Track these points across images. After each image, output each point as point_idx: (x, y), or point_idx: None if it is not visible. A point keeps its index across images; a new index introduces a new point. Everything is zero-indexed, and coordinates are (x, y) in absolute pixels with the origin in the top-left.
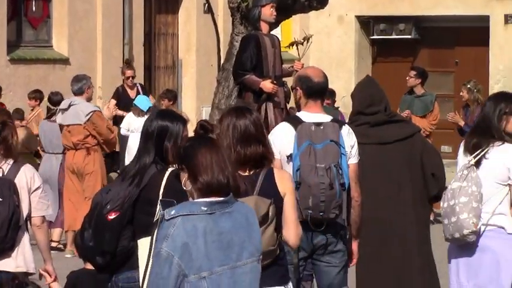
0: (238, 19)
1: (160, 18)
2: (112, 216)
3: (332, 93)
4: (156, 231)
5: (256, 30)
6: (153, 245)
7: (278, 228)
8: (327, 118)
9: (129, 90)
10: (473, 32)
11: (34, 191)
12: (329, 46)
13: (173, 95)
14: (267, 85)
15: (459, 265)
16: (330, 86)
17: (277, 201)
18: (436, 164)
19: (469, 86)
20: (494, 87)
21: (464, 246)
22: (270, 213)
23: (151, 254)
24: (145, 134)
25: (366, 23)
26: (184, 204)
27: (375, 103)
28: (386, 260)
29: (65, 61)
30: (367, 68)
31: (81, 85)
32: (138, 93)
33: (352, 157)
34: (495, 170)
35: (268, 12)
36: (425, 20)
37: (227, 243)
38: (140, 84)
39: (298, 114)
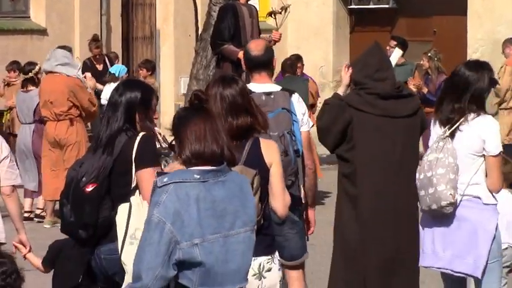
0: None
1: None
2: (89, 188)
3: (299, 58)
4: (133, 197)
5: (234, 0)
6: (134, 212)
7: (263, 199)
8: (276, 88)
9: (96, 64)
10: (451, 1)
11: (2, 160)
12: (307, 16)
13: (152, 66)
14: None
15: (434, 235)
16: (308, 55)
17: (263, 171)
18: None
19: (429, 54)
20: (472, 56)
21: (440, 216)
22: (255, 184)
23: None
24: (114, 104)
25: None
26: (177, 172)
27: (383, 69)
28: (388, 228)
29: (42, 32)
30: (345, 37)
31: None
32: (105, 65)
33: (304, 124)
34: (469, 141)
35: None
36: None
37: (220, 211)
38: (107, 56)
39: (247, 85)
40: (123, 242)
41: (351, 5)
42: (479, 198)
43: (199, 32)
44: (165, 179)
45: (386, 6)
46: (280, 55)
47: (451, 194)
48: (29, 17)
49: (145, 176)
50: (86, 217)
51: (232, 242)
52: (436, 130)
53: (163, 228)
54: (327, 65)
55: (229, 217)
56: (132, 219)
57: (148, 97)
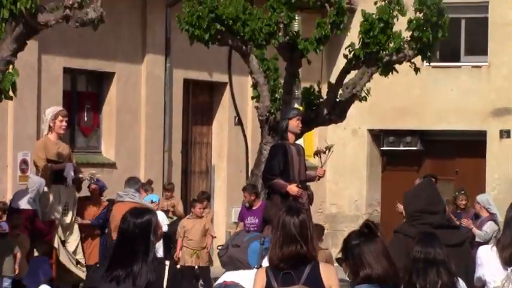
0: (267, 130)
1: (196, 128)
2: None
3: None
4: None
5: (283, 140)
6: None
7: None
8: None
9: None
10: (472, 145)
11: None
12: (344, 156)
13: (207, 196)
14: (293, 188)
15: None
16: (345, 191)
17: None
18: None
19: (466, 193)
20: (490, 194)
21: None
22: None
23: None
24: (131, 234)
25: (377, 136)
26: None
27: (435, 203)
28: None
29: (112, 165)
30: (377, 175)
31: (137, 187)
32: None
33: None
34: None
35: (294, 124)
36: (430, 134)
37: None
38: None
39: None
40: None
41: (383, 146)
42: None
43: (249, 169)
44: None
45: (415, 148)
46: (319, 189)
47: None
48: (101, 152)
49: None
50: None
51: None
52: (500, 266)
53: None
54: (360, 199)
55: None
56: None
57: (157, 219)
